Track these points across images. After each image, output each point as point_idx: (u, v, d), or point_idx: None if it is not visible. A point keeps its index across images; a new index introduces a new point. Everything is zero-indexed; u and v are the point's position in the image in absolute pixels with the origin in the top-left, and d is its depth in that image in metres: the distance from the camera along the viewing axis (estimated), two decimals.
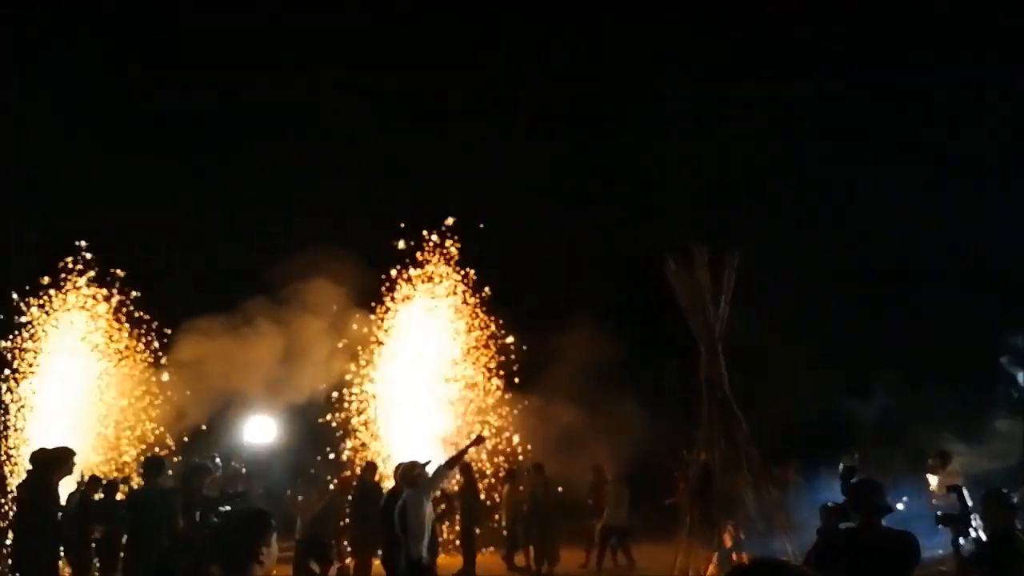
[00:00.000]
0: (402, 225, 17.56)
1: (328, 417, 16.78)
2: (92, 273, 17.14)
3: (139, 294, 17.22)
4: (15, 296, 16.83)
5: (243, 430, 13.95)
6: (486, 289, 17.36)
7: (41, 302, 16.91)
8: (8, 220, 19.03)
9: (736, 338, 11.06)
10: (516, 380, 17.12)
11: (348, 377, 16.83)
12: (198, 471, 9.46)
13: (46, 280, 16.93)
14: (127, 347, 17.14)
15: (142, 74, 22.23)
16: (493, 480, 16.81)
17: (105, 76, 21.70)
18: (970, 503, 6.60)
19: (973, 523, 6.14)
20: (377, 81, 23.12)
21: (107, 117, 21.53)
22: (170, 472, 10.80)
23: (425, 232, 17.41)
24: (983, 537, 6.09)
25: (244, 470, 11.59)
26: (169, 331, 17.15)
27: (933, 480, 12.34)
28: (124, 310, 17.22)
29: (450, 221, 17.35)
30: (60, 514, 8.77)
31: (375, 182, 21.80)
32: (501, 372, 17.21)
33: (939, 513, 6.28)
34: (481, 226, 17.57)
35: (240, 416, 15.81)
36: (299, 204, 20.57)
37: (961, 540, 6.00)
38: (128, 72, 22.12)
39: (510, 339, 17.13)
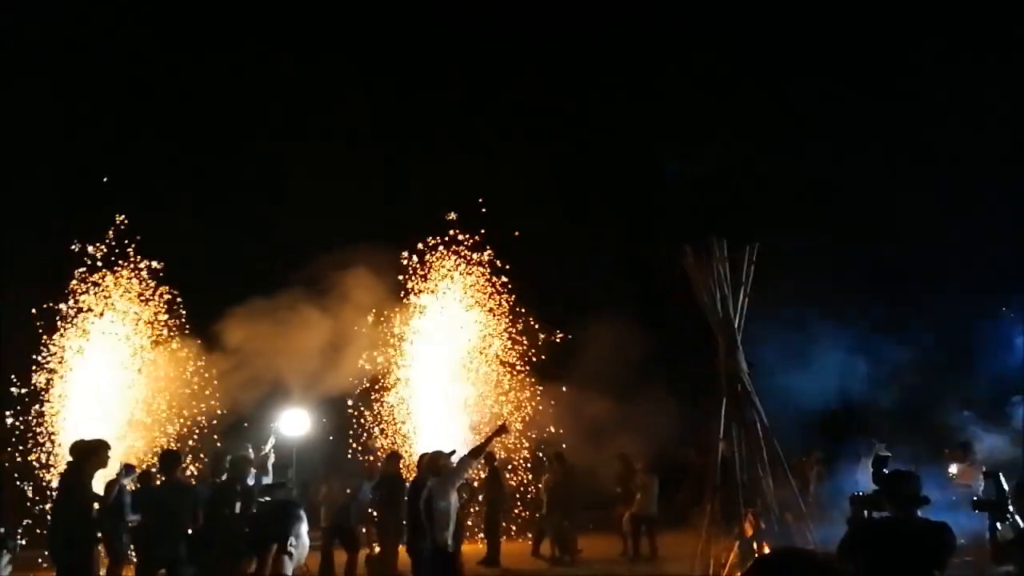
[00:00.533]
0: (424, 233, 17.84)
1: (358, 409, 17.04)
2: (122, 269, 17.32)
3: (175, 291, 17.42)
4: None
5: (278, 422, 14.09)
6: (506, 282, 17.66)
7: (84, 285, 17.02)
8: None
9: (753, 327, 11.17)
10: (543, 372, 17.35)
11: (376, 367, 17.08)
12: (239, 463, 9.57)
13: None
14: (164, 334, 17.27)
15: (140, 65, 22.25)
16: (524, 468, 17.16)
17: (106, 68, 21.64)
18: (1007, 487, 6.66)
19: (1010, 508, 6.20)
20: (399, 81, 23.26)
21: (105, 116, 21.54)
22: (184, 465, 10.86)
23: (453, 216, 17.66)
24: (1021, 524, 6.15)
25: (272, 447, 11.68)
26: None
27: (954, 468, 12.50)
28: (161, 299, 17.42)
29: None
30: (98, 504, 8.89)
31: (387, 179, 21.91)
32: (528, 364, 17.45)
33: (975, 498, 6.34)
34: (516, 234, 17.78)
35: (274, 408, 15.89)
36: (313, 204, 20.56)
37: (998, 525, 6.05)
38: (127, 66, 22.15)
39: (539, 331, 17.38)
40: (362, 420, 17.57)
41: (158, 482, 10.88)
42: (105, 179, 18.58)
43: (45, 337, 16.72)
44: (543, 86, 23.59)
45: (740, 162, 21.69)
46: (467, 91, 24.08)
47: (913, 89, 20.92)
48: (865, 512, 5.95)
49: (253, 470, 10.08)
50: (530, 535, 16.93)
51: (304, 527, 9.89)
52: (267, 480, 10.53)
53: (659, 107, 22.84)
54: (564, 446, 16.51)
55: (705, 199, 19.86)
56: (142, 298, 17.44)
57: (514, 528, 17.87)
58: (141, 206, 20.20)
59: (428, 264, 17.86)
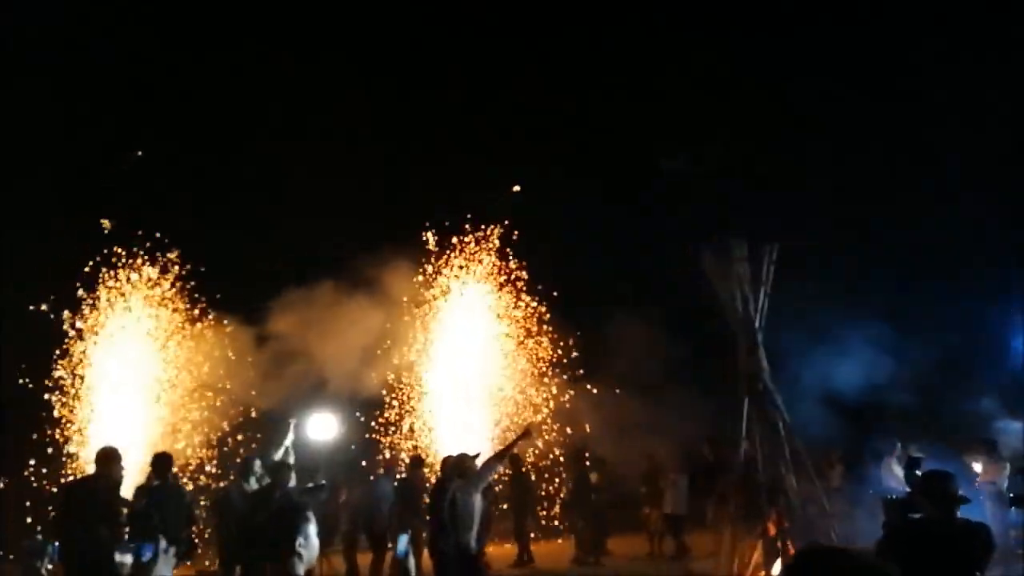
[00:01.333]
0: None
1: (381, 412, 17.09)
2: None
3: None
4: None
5: (295, 419, 14.18)
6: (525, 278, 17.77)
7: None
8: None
9: (772, 327, 11.21)
10: (569, 373, 17.44)
11: (398, 372, 17.11)
12: (280, 469, 9.69)
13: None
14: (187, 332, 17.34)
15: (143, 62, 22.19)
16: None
17: (106, 68, 21.55)
18: None
19: None
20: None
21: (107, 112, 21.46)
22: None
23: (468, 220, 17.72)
24: None
25: (291, 444, 11.69)
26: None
27: (979, 465, 12.63)
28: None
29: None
30: (127, 509, 8.99)
31: (387, 179, 21.90)
32: (553, 365, 17.54)
33: (1012, 495, 6.36)
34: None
35: (296, 407, 15.95)
36: (313, 204, 20.52)
37: None
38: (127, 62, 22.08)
39: (564, 330, 17.47)
40: (385, 423, 17.61)
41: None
42: (139, 153, 18.50)
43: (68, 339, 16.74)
44: (543, 86, 23.62)
45: (740, 162, 21.72)
46: (467, 91, 24.08)
47: (913, 89, 21.01)
48: (901, 514, 5.92)
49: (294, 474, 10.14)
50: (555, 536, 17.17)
51: (312, 527, 9.93)
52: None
53: (659, 107, 22.88)
54: (590, 446, 16.70)
55: (712, 198, 19.90)
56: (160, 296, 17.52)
57: (562, 528, 17.96)
58: (141, 206, 20.24)
59: (446, 262, 17.93)
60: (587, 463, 16.25)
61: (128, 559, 9.51)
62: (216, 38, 22.94)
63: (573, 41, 24.83)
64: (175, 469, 13.86)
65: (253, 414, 16.89)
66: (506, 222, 18.32)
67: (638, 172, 22.71)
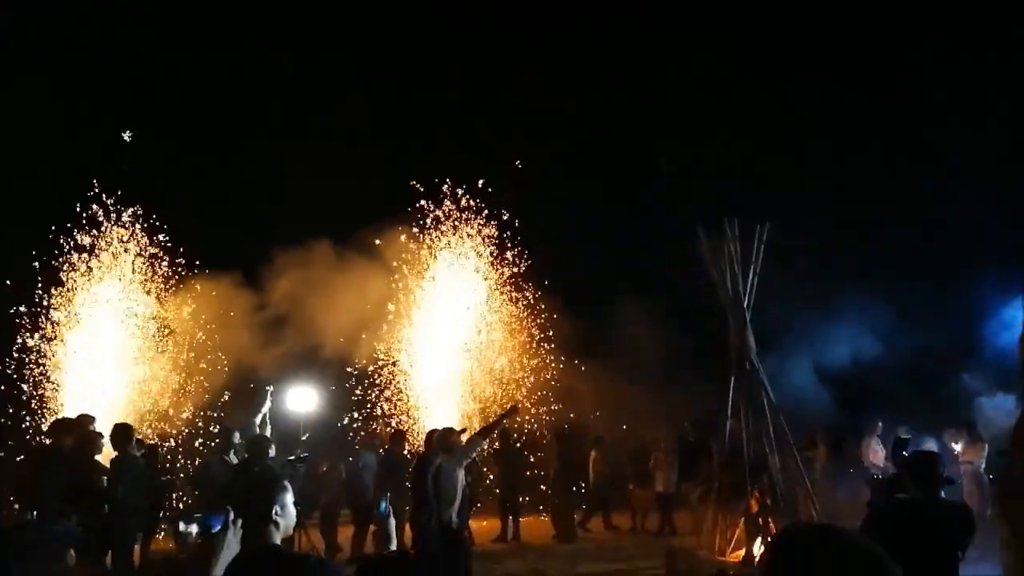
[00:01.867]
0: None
1: (364, 386, 17.16)
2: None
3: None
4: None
5: (285, 399, 14.08)
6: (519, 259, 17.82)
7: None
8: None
9: (760, 307, 11.25)
10: (564, 352, 17.52)
11: (383, 345, 17.14)
12: (260, 444, 9.59)
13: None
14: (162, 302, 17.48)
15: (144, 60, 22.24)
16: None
17: (106, 68, 21.57)
18: None
19: None
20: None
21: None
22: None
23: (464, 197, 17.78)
24: None
25: (267, 411, 11.64)
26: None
27: (958, 445, 12.78)
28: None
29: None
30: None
31: (387, 179, 21.90)
32: (545, 343, 17.58)
33: (991, 476, 6.41)
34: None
35: (281, 385, 15.92)
36: (313, 204, 20.53)
37: None
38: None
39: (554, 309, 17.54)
40: (368, 396, 17.61)
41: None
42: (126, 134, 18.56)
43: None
44: (543, 86, 23.65)
45: (740, 162, 21.74)
46: (467, 91, 24.11)
47: (913, 89, 21.03)
48: (886, 494, 5.94)
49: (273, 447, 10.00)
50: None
51: (289, 496, 9.86)
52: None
53: (659, 107, 22.91)
54: (566, 427, 16.84)
55: (712, 198, 19.96)
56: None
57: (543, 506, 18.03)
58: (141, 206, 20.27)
59: (439, 238, 17.97)
60: (581, 442, 16.52)
61: (194, 529, 9.47)
62: (216, 38, 22.99)
63: (573, 41, 24.90)
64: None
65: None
66: (504, 216, 18.33)
67: (638, 172, 22.72)
